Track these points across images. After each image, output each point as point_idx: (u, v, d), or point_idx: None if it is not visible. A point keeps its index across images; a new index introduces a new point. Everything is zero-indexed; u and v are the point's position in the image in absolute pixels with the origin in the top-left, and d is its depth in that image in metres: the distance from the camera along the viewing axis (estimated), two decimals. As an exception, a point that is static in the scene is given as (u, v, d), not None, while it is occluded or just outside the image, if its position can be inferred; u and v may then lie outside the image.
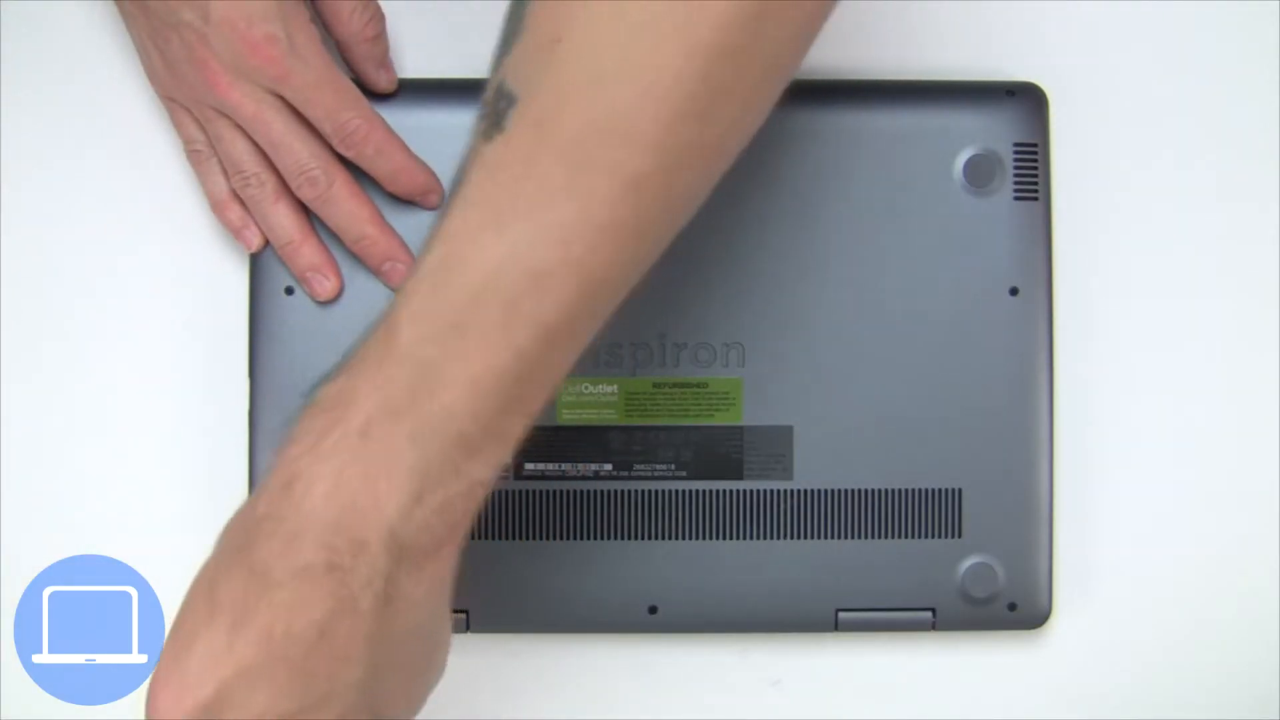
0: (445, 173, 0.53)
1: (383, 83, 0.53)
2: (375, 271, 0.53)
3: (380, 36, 0.52)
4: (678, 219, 0.40)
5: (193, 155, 0.53)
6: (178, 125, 0.53)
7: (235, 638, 0.38)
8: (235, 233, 0.53)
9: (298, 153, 0.50)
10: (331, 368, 0.40)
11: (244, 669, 0.38)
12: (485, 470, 0.39)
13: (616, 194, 0.38)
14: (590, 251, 0.38)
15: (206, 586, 0.39)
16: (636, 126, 0.37)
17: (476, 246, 0.38)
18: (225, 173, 0.52)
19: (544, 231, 0.37)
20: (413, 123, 0.53)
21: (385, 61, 0.53)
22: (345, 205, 0.52)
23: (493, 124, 0.38)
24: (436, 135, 0.53)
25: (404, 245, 0.53)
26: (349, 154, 0.51)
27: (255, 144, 0.51)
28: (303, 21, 0.49)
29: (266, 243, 0.53)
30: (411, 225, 0.53)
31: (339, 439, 0.38)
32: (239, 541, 0.39)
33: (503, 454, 0.39)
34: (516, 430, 0.39)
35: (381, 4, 0.53)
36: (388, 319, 0.39)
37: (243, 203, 0.52)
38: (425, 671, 0.43)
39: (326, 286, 0.53)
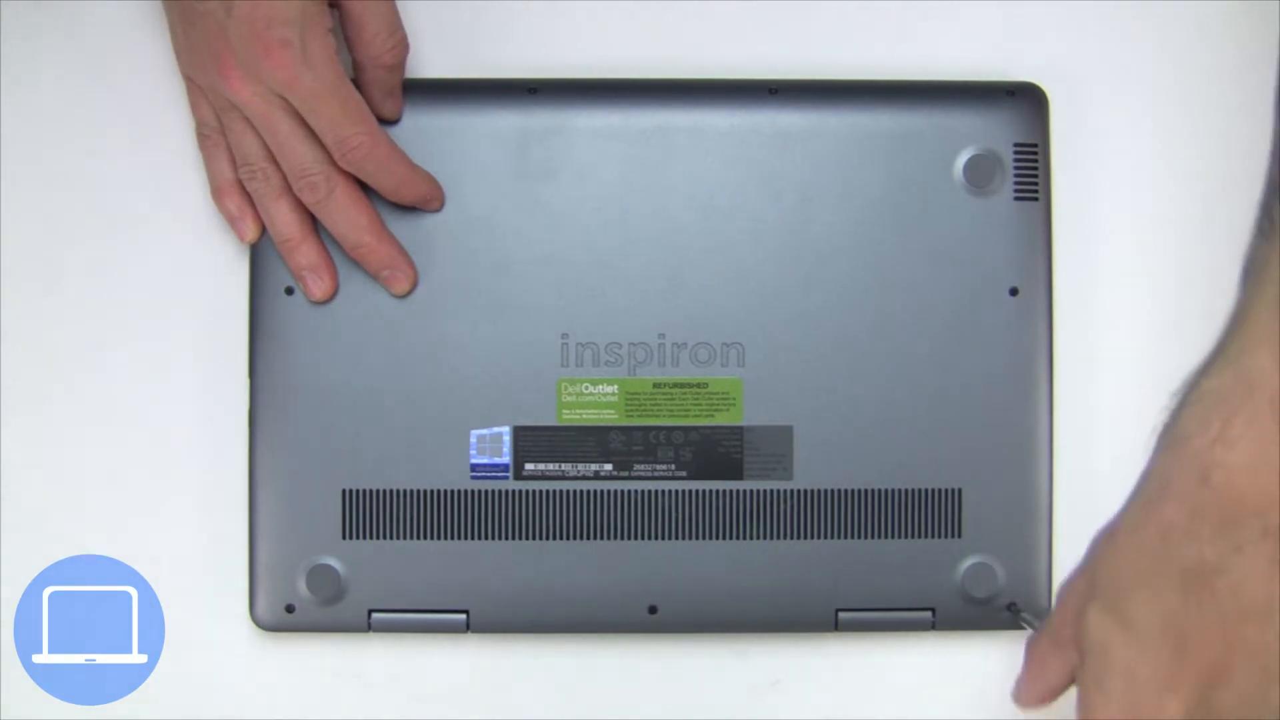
0: (446, 173, 0.53)
1: (387, 111, 0.52)
2: (374, 277, 0.53)
3: (398, 67, 0.52)
4: None
5: (201, 138, 0.53)
6: (192, 104, 0.53)
7: (1184, 659, 0.41)
8: (231, 222, 0.53)
9: (301, 156, 0.50)
10: (1199, 370, 0.43)
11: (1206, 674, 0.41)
12: None
13: None
14: None
15: (1162, 627, 0.42)
16: None
17: None
18: (231, 160, 0.52)
19: None
20: (416, 123, 0.53)
21: (395, 91, 0.52)
22: (344, 212, 0.52)
23: None
24: (440, 135, 0.53)
25: (403, 252, 0.53)
26: (349, 169, 0.51)
27: (264, 140, 0.51)
28: (321, 31, 0.48)
29: (261, 235, 0.53)
30: (413, 231, 0.53)
31: (1249, 418, 0.41)
32: (1146, 561, 0.42)
33: None
34: None
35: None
36: (1267, 306, 0.42)
37: (243, 192, 0.52)
38: None
39: (321, 287, 0.53)
